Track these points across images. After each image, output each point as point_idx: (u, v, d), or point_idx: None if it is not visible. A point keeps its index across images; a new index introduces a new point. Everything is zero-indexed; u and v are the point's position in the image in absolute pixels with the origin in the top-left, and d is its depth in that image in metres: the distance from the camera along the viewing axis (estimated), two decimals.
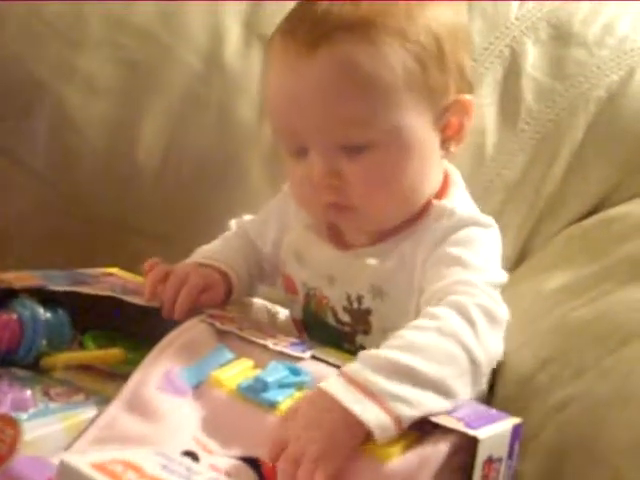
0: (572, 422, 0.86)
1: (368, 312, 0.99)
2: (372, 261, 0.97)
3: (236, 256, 1.08)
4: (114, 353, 0.96)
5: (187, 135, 1.31)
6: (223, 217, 1.15)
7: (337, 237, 1.02)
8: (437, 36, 0.93)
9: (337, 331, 1.01)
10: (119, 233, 1.30)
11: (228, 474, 0.77)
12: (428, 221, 0.96)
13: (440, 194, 0.99)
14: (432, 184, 0.98)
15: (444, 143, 0.98)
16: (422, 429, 0.80)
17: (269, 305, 1.14)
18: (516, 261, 1.26)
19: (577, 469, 0.82)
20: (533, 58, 1.29)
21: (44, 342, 0.95)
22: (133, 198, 1.30)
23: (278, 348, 0.91)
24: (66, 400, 0.87)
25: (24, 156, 1.32)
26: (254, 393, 0.84)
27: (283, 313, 1.13)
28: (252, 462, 0.79)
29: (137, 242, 1.29)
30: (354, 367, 0.81)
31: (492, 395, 1.01)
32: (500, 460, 0.80)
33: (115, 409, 0.84)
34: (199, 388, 0.87)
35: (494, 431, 0.79)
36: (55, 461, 0.73)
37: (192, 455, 0.78)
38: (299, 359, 0.89)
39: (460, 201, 0.99)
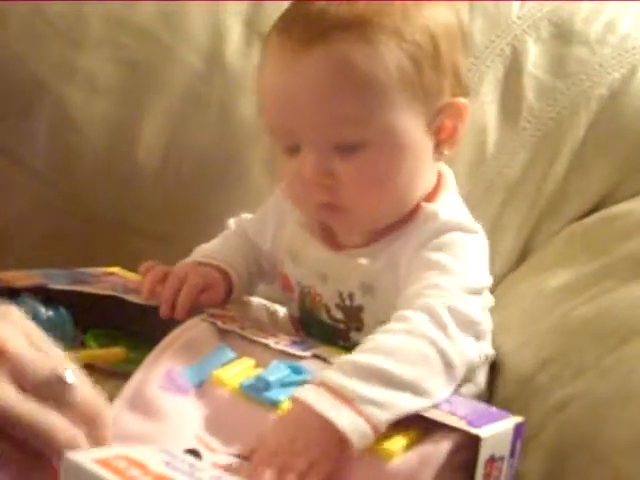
0: (573, 421, 0.86)
1: (360, 309, 0.99)
2: (363, 261, 0.97)
3: (235, 254, 1.08)
4: (115, 352, 0.96)
5: (188, 134, 1.31)
6: (224, 216, 1.15)
7: (329, 236, 1.02)
8: (433, 36, 0.93)
9: (332, 328, 1.01)
10: (119, 232, 1.30)
11: (230, 472, 0.77)
12: (417, 224, 0.96)
13: (430, 197, 0.98)
14: (424, 186, 0.98)
15: (438, 146, 0.97)
16: (424, 427, 0.80)
17: (268, 304, 1.13)
18: (517, 260, 1.27)
19: (578, 468, 0.82)
20: (534, 56, 1.29)
21: None
22: (133, 197, 1.30)
23: (280, 347, 0.91)
24: None
25: (24, 156, 1.31)
26: (256, 392, 0.84)
27: (282, 311, 1.13)
28: None
29: (138, 241, 1.29)
30: (327, 373, 0.81)
31: (492, 395, 1.01)
32: (502, 459, 0.80)
33: (117, 408, 0.84)
34: (201, 387, 0.87)
35: (496, 430, 0.79)
36: None
37: (194, 453, 0.79)
38: (301, 358, 0.89)
39: (447, 205, 0.98)
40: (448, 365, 0.83)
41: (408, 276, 0.92)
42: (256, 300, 1.13)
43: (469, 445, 0.78)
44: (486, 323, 1.02)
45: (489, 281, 0.97)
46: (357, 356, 0.82)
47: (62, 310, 0.97)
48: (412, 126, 0.93)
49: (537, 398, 0.93)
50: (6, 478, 0.68)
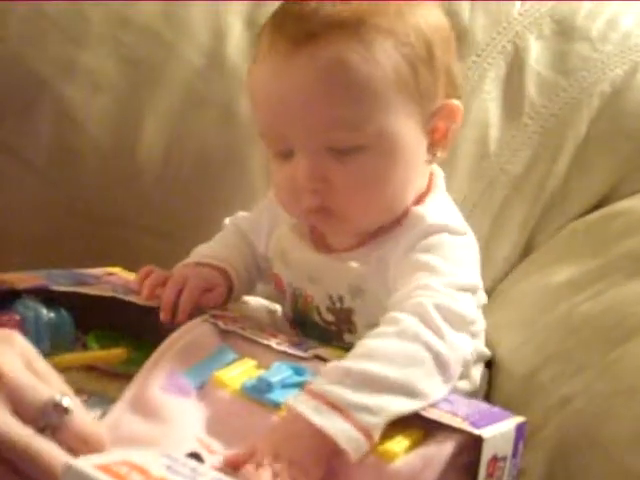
0: (576, 417, 0.86)
1: (350, 311, 0.98)
2: (352, 264, 0.97)
3: (234, 254, 1.07)
4: (117, 353, 0.96)
5: (189, 132, 1.30)
6: (225, 214, 1.15)
7: (319, 239, 1.01)
8: (427, 37, 0.92)
9: (325, 330, 1.01)
10: (121, 231, 1.30)
11: (231, 474, 0.77)
12: (404, 227, 0.95)
13: (419, 199, 0.98)
14: (416, 189, 0.97)
15: (431, 148, 0.96)
16: (427, 428, 0.80)
17: (267, 303, 1.13)
18: (520, 257, 1.26)
19: (581, 463, 0.82)
20: (536, 53, 1.29)
21: (47, 343, 0.95)
22: (135, 196, 1.30)
23: (282, 348, 0.91)
24: None
25: (26, 154, 1.31)
26: (258, 393, 0.84)
27: (281, 311, 1.13)
28: None
29: (139, 240, 1.29)
30: (317, 381, 0.81)
31: (494, 393, 1.01)
32: (505, 459, 0.80)
33: (119, 410, 0.84)
34: (203, 388, 0.87)
35: (498, 430, 0.79)
36: None
37: (196, 456, 0.78)
38: (302, 359, 0.89)
39: (435, 207, 0.97)
40: (442, 364, 0.83)
41: (397, 279, 0.92)
42: (256, 300, 1.13)
43: (472, 445, 0.78)
44: (479, 322, 1.02)
45: (479, 280, 0.96)
46: (347, 362, 0.82)
47: (63, 312, 0.97)
48: (407, 129, 0.93)
49: (540, 395, 0.93)
50: None
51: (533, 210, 1.27)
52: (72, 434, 0.70)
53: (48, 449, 0.68)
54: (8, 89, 1.31)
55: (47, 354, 0.93)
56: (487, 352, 1.04)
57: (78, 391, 0.84)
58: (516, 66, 1.29)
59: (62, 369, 0.91)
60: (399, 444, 0.78)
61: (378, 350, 0.82)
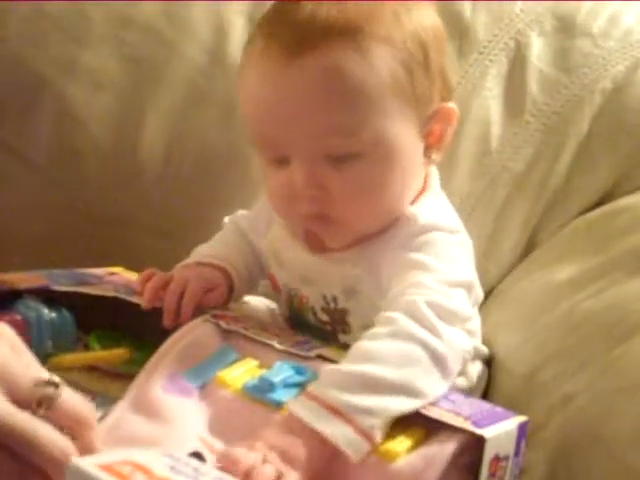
0: (578, 414, 0.86)
1: (345, 312, 0.98)
2: (344, 265, 0.96)
3: (234, 252, 1.07)
4: (119, 353, 0.96)
5: (191, 131, 1.30)
6: (227, 214, 1.14)
7: (312, 239, 0.99)
8: (423, 41, 0.92)
9: (320, 330, 1.01)
10: (122, 230, 1.30)
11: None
12: (397, 227, 0.95)
13: (413, 200, 0.97)
14: (412, 192, 0.97)
15: (426, 151, 0.96)
16: (429, 427, 0.80)
17: (269, 302, 1.12)
18: (522, 254, 1.26)
19: (583, 461, 0.82)
20: (538, 50, 1.29)
21: (49, 343, 0.95)
22: (136, 195, 1.30)
23: (283, 347, 0.90)
24: None
25: (27, 153, 1.31)
26: (260, 393, 0.84)
27: None
28: None
29: (140, 239, 1.29)
30: (315, 385, 0.81)
31: (495, 391, 1.01)
32: (507, 458, 0.80)
33: (121, 410, 0.84)
34: (205, 388, 0.87)
35: (501, 430, 0.79)
36: None
37: (198, 456, 0.78)
38: (305, 358, 0.89)
39: (427, 207, 0.97)
40: (438, 361, 0.83)
41: (391, 278, 0.91)
42: (257, 299, 1.12)
43: (474, 445, 0.78)
44: (475, 319, 1.02)
45: (474, 277, 0.96)
46: (343, 365, 0.82)
47: (65, 312, 0.97)
48: (404, 133, 0.92)
49: (541, 393, 0.93)
50: None
51: (535, 208, 1.26)
52: (62, 411, 0.70)
53: (45, 432, 0.68)
54: (9, 89, 1.31)
55: (49, 354, 0.94)
56: (484, 350, 1.04)
57: (82, 391, 0.84)
58: (518, 63, 1.29)
59: (64, 369, 0.92)
60: (401, 444, 0.78)
61: (374, 351, 0.82)
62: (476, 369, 1.02)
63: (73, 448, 0.69)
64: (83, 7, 1.32)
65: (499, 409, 0.83)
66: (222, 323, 0.93)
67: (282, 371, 0.86)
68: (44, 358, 0.93)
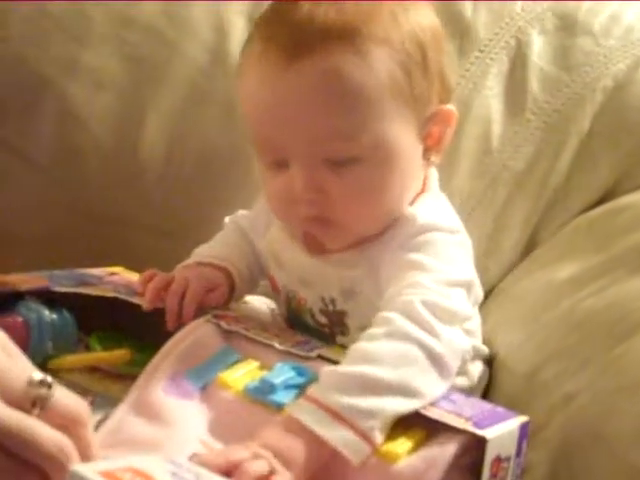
0: (579, 413, 0.86)
1: (343, 314, 0.98)
2: (343, 267, 0.96)
3: (234, 252, 1.06)
4: (120, 354, 0.96)
5: (192, 130, 1.30)
6: (228, 214, 1.14)
7: (311, 241, 0.99)
8: (421, 41, 0.91)
9: (317, 332, 1.00)
10: (123, 229, 1.30)
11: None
12: (395, 228, 0.95)
13: (412, 201, 0.97)
14: (411, 194, 0.97)
15: (425, 153, 0.96)
16: (430, 428, 0.79)
17: (269, 302, 1.12)
18: (523, 253, 1.26)
19: (585, 460, 0.82)
20: (539, 48, 1.29)
21: (50, 344, 0.95)
22: (137, 195, 1.30)
23: (284, 348, 0.90)
24: None
25: (29, 152, 1.31)
26: (261, 394, 0.84)
27: None
28: None
29: (141, 239, 1.29)
30: (313, 387, 0.81)
31: (496, 390, 1.01)
32: (508, 459, 0.80)
33: (122, 413, 0.84)
34: (206, 390, 0.87)
35: (502, 430, 0.79)
36: None
37: None
38: (306, 359, 0.89)
39: (426, 207, 0.96)
40: (436, 360, 0.83)
41: (390, 279, 0.91)
42: (258, 298, 1.12)
43: (475, 446, 0.78)
44: (475, 318, 1.02)
45: (474, 277, 0.96)
46: (342, 367, 0.82)
47: (66, 313, 0.97)
48: (403, 136, 0.92)
49: (542, 392, 0.93)
50: None
51: (536, 206, 1.26)
52: (56, 408, 0.70)
53: (42, 430, 0.68)
54: (11, 89, 1.31)
55: (50, 355, 0.94)
56: (485, 349, 1.04)
57: (83, 392, 0.84)
58: (519, 61, 1.29)
59: (65, 370, 0.92)
60: (402, 445, 0.78)
61: (371, 352, 0.82)
62: (477, 368, 1.02)
63: (70, 445, 0.69)
64: (84, 7, 1.31)
65: (500, 409, 0.83)
66: (223, 324, 0.93)
67: (283, 372, 0.86)
68: (45, 359, 0.93)
